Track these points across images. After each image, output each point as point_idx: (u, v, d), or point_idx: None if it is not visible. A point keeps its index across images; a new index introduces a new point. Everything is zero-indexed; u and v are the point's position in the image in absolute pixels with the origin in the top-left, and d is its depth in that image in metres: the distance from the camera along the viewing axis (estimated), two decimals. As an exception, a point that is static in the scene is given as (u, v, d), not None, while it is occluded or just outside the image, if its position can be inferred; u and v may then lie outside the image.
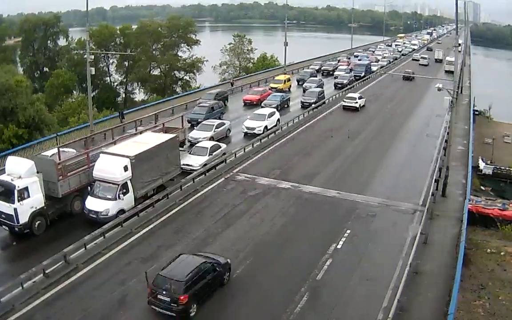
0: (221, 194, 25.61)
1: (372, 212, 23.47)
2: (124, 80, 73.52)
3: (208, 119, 36.03)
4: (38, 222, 20.76)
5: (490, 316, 18.03)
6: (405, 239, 20.65)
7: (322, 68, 67.02)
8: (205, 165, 27.74)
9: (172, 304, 15.20)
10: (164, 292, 15.27)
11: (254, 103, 44.43)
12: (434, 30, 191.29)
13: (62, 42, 73.17)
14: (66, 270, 18.04)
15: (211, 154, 28.78)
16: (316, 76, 59.27)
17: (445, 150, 28.85)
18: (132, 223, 21.59)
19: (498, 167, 37.47)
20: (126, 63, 71.67)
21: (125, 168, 22.08)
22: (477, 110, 53.84)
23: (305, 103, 44.50)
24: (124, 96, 74.00)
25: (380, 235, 21.29)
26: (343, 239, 20.69)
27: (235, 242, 20.27)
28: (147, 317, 15.88)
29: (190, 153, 29.01)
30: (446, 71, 67.84)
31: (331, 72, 64.37)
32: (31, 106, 42.00)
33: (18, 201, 19.92)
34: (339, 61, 74.55)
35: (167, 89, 71.62)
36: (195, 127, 34.79)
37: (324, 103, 45.73)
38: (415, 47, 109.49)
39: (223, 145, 30.64)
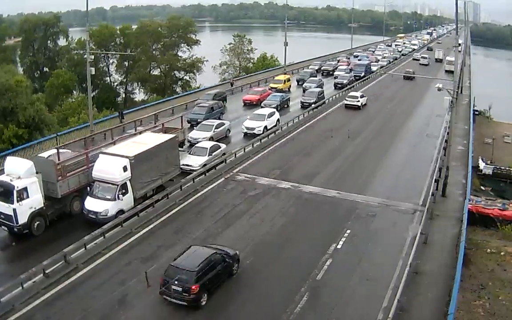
0: (221, 194, 25.61)
1: (372, 212, 23.47)
2: (124, 80, 73.52)
3: (207, 119, 36.01)
4: (37, 222, 20.74)
5: (490, 316, 18.03)
6: (405, 239, 20.65)
7: (322, 68, 67.02)
8: (204, 165, 27.72)
9: (183, 294, 15.76)
10: (176, 282, 15.78)
11: (254, 103, 44.41)
12: (434, 30, 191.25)
13: (62, 42, 73.17)
14: (66, 270, 18.04)
15: (211, 154, 28.77)
16: (316, 76, 59.28)
17: (445, 150, 28.85)
18: (132, 223, 21.59)
19: (498, 167, 37.48)
20: (126, 63, 71.66)
21: (124, 169, 22.07)
22: (477, 110, 53.85)
23: (305, 103, 44.50)
24: (124, 96, 74.00)
25: (380, 235, 21.29)
26: (343, 239, 20.69)
27: (235, 242, 20.20)
28: (147, 317, 15.90)
29: (189, 153, 28.99)
30: (446, 71, 67.94)
31: (331, 72, 64.37)
32: (31, 106, 41.98)
33: (17, 201, 19.90)
34: (338, 61, 74.52)
35: (167, 89, 71.62)
36: (194, 127, 34.77)
37: (324, 103, 45.73)
38: (415, 47, 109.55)
39: (223, 145, 30.64)
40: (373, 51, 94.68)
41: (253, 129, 34.98)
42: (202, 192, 25.64)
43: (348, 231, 21.34)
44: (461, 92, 50.86)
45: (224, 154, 29.63)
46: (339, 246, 20.13)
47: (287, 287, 17.33)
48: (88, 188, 22.71)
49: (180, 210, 23.59)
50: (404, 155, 32.61)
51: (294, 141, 35.22)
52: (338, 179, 27.73)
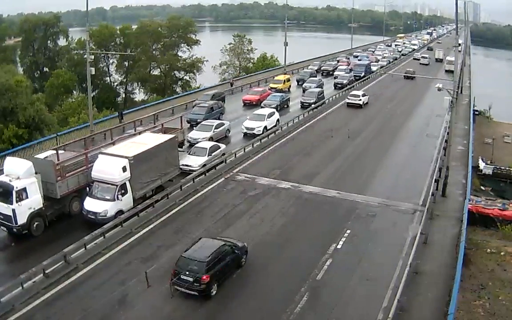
0: (221, 194, 25.61)
1: (372, 212, 23.47)
2: (124, 80, 73.52)
3: (207, 119, 35.99)
4: (37, 223, 20.72)
5: (490, 316, 18.03)
6: (405, 239, 20.65)
7: (322, 68, 67.02)
8: (204, 165, 27.70)
9: (194, 284, 16.23)
10: (187, 273, 16.28)
11: (254, 103, 44.36)
12: (434, 30, 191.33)
13: (62, 42, 73.18)
14: (66, 270, 18.04)
15: (210, 155, 28.75)
16: (316, 76, 59.28)
17: (445, 150, 28.85)
18: (132, 223, 21.58)
19: (498, 167, 37.47)
20: (126, 63, 71.66)
21: (124, 169, 22.03)
22: (477, 110, 53.85)
23: (304, 103, 44.50)
24: (124, 96, 74.01)
25: (380, 235, 21.29)
26: (343, 239, 20.69)
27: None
28: (147, 317, 15.90)
29: (189, 154, 28.96)
30: (446, 71, 68.05)
31: (330, 72, 64.38)
32: (31, 106, 41.97)
33: (17, 202, 19.88)
34: (338, 61, 74.50)
35: (167, 89, 71.63)
36: (194, 128, 34.75)
37: (323, 103, 45.73)
38: (415, 47, 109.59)
39: (223, 146, 30.62)
40: (373, 51, 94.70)
41: (252, 129, 34.96)
42: (202, 192, 25.63)
43: (348, 231, 21.34)
44: (461, 92, 50.86)
45: (223, 154, 29.62)
46: (339, 246, 20.13)
47: (287, 287, 17.33)
48: (88, 188, 22.70)
49: (180, 210, 23.58)
50: (404, 155, 32.60)
51: (294, 141, 35.22)
52: (338, 179, 27.73)
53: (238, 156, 30.29)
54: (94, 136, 32.58)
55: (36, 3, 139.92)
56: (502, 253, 22.70)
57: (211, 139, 32.07)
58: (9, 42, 78.34)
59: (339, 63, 71.06)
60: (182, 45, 74.41)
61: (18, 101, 41.07)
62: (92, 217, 21.42)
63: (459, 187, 26.65)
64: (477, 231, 25.36)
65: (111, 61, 72.08)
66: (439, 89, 29.41)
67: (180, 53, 74.38)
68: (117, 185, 21.80)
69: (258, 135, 34.10)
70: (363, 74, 61.45)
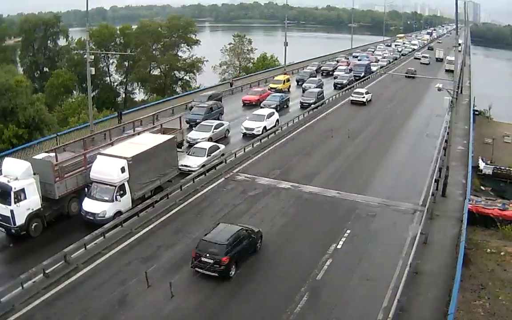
0: (221, 194, 25.60)
1: (372, 212, 23.47)
2: (124, 80, 73.50)
3: (206, 119, 35.95)
4: (35, 223, 20.67)
5: (490, 316, 18.03)
6: (405, 239, 20.65)
7: (321, 68, 67.03)
8: (203, 166, 27.67)
9: (215, 265, 17.28)
10: (207, 255, 17.35)
11: (253, 103, 44.30)
12: (434, 30, 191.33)
13: (62, 42, 73.13)
14: (66, 270, 18.04)
15: (210, 155, 28.71)
16: (315, 77, 59.28)
17: (445, 150, 28.85)
18: (132, 223, 21.59)
19: (498, 167, 37.47)
20: (126, 63, 71.65)
21: (122, 170, 21.98)
22: (477, 110, 53.85)
23: (304, 104, 44.47)
24: (124, 96, 73.99)
25: (380, 235, 21.29)
26: (343, 239, 20.69)
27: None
28: (147, 317, 15.90)
29: (188, 154, 28.93)
30: (446, 70, 68.28)
31: (330, 73, 64.38)
32: (31, 106, 41.95)
33: (15, 202, 19.85)
34: (338, 61, 74.48)
35: (167, 89, 71.61)
36: (193, 128, 34.71)
37: (323, 103, 45.73)
38: (415, 47, 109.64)
39: (222, 146, 30.59)
40: (373, 51, 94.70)
41: (252, 129, 34.94)
42: (202, 192, 25.63)
43: (348, 231, 21.34)
44: (461, 92, 50.89)
45: (223, 154, 29.59)
46: (339, 246, 20.13)
47: (287, 287, 17.34)
48: (86, 189, 22.66)
49: (180, 210, 23.58)
50: (404, 155, 32.61)
51: (294, 141, 35.21)
52: (338, 179, 27.73)
53: (238, 156, 30.29)
54: (94, 136, 32.54)
55: (36, 3, 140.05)
56: (502, 253, 22.70)
57: (210, 139, 32.03)
58: (9, 42, 78.30)
59: (338, 63, 71.05)
60: (182, 45, 74.40)
61: (18, 101, 41.06)
62: (91, 218, 21.39)
63: (459, 187, 26.65)
64: (477, 231, 25.37)
65: (111, 61, 72.07)
66: (439, 89, 29.41)
67: (180, 53, 74.37)
68: (115, 186, 21.76)
69: (258, 135, 34.08)
70: (363, 74, 61.49)
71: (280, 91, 48.73)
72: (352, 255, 19.47)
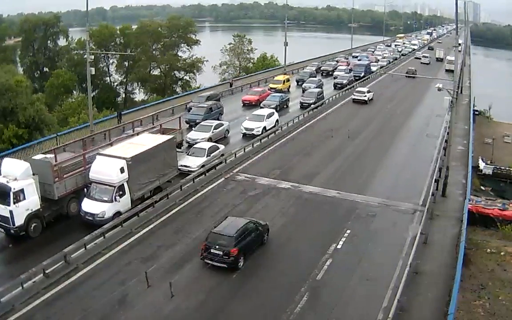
0: (221, 194, 25.60)
1: (372, 212, 23.47)
2: (124, 80, 73.49)
3: (206, 120, 35.92)
4: (34, 224, 20.65)
5: (490, 316, 18.03)
6: (405, 239, 20.65)
7: (321, 69, 67.05)
8: (203, 166, 27.64)
9: (224, 257, 17.83)
10: (217, 247, 17.94)
11: (253, 103, 44.27)
12: (434, 30, 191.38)
13: (62, 42, 73.10)
14: (66, 270, 18.04)
15: (209, 155, 28.68)
16: (315, 77, 59.28)
17: (445, 150, 28.85)
18: (132, 223, 21.58)
19: (498, 167, 37.46)
20: (126, 63, 71.63)
21: (122, 170, 21.94)
22: (477, 110, 53.86)
23: (304, 104, 44.46)
24: (124, 96, 73.98)
25: (380, 235, 21.29)
26: (343, 239, 20.68)
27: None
28: (147, 317, 15.90)
29: (187, 154, 28.90)
30: (446, 70, 68.44)
31: (330, 73, 64.39)
32: (31, 106, 41.96)
33: (14, 203, 19.82)
34: (337, 61, 74.48)
35: (167, 89, 71.61)
36: (193, 128, 34.68)
37: (323, 103, 45.73)
38: (415, 47, 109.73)
39: (221, 146, 30.56)
40: (373, 51, 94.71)
41: (252, 129, 34.91)
42: (202, 192, 25.63)
43: (348, 231, 21.34)
44: (461, 92, 50.90)
45: (222, 155, 29.58)
46: (339, 246, 20.13)
47: (287, 287, 17.34)
48: (85, 189, 22.64)
49: (180, 210, 23.58)
50: (404, 155, 32.61)
51: (294, 141, 35.21)
52: (338, 179, 27.73)
53: (238, 156, 30.28)
54: (94, 137, 32.53)
55: (36, 3, 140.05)
56: (502, 253, 22.70)
57: (210, 139, 32.01)
58: (9, 42, 78.27)
59: (338, 63, 71.05)
60: (182, 45, 74.40)
61: (18, 101, 41.06)
62: (90, 218, 21.35)
63: (459, 187, 26.65)
64: (477, 231, 25.37)
65: (111, 61, 72.05)
66: (439, 89, 29.40)
67: (180, 53, 74.37)
68: (115, 186, 21.73)
69: (257, 135, 34.07)
70: (362, 74, 61.54)
71: (280, 91, 48.68)
72: (352, 255, 19.47)
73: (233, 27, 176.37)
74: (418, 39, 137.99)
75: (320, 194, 25.50)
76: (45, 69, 71.33)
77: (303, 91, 49.39)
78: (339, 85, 54.79)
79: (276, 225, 22.08)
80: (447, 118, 38.74)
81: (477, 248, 23.14)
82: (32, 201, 20.51)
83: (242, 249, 18.27)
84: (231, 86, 53.42)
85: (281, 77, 53.42)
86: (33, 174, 20.83)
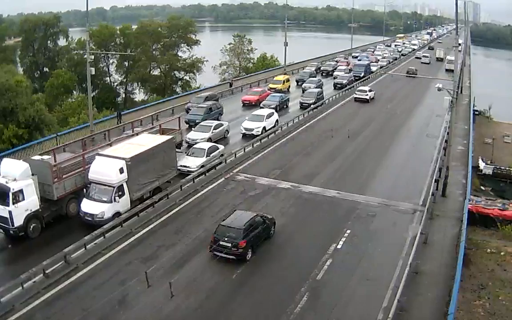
0: (221, 194, 25.60)
1: (372, 212, 23.47)
2: (124, 80, 73.47)
3: (206, 120, 35.89)
4: (33, 224, 20.61)
5: (490, 316, 18.03)
6: (405, 239, 20.64)
7: (321, 69, 67.06)
8: (202, 166, 27.63)
9: (232, 249, 18.31)
10: (225, 239, 18.43)
11: (253, 103, 44.26)
12: (434, 30, 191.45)
13: (62, 42, 73.03)
14: (66, 270, 18.04)
15: (209, 156, 28.64)
16: (315, 77, 59.29)
17: (445, 150, 28.85)
18: (132, 223, 21.58)
19: (498, 167, 37.42)
20: (126, 63, 71.61)
21: (121, 170, 21.90)
22: (477, 110, 53.84)
23: (304, 104, 44.44)
24: (124, 96, 73.95)
25: (380, 235, 21.29)
26: (343, 239, 20.69)
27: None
28: (147, 317, 15.90)
29: (187, 155, 28.88)
30: (446, 70, 68.56)
31: (330, 73, 64.40)
32: (31, 106, 41.93)
33: (13, 203, 19.79)
34: (337, 61, 74.46)
35: (167, 89, 71.60)
36: (192, 128, 34.65)
37: (323, 103, 45.72)
38: (415, 47, 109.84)
39: (221, 147, 30.53)
40: (373, 51, 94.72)
41: (251, 130, 34.89)
42: (202, 192, 25.63)
43: (348, 231, 21.34)
44: (461, 92, 50.91)
45: (222, 155, 29.57)
46: (339, 246, 20.13)
47: (287, 287, 17.34)
48: (85, 190, 22.61)
49: (180, 210, 23.58)
50: (404, 155, 32.61)
51: (294, 141, 35.22)
52: (338, 179, 27.73)
53: (238, 156, 30.28)
54: (94, 137, 32.53)
55: (36, 3, 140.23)
56: (502, 253, 22.70)
57: (209, 140, 32.01)
58: (9, 42, 78.16)
59: (338, 63, 71.06)
60: (182, 45, 74.39)
61: (18, 101, 41.05)
62: (89, 219, 21.33)
63: (459, 187, 26.65)
64: (477, 231, 25.35)
65: (111, 61, 72.00)
66: (439, 89, 29.37)
67: (180, 53, 74.35)
68: (114, 187, 21.68)
69: (257, 135, 34.05)
70: (362, 74, 61.58)
71: (279, 91, 48.66)
72: (352, 255, 19.46)
73: (233, 27, 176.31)
74: (418, 39, 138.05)
75: (320, 194, 25.50)
76: (45, 69, 71.29)
77: (303, 91, 49.40)
78: (339, 85, 54.81)
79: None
80: (447, 118, 38.74)
81: (477, 248, 23.14)
82: (31, 202, 20.47)
83: (250, 241, 18.78)
84: (231, 86, 53.40)
85: (281, 77, 53.41)
86: (32, 175, 20.79)
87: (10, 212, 19.76)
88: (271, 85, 51.83)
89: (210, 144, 30.29)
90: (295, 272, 18.27)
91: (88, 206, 21.57)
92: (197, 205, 24.17)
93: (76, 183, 22.50)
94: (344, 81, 55.46)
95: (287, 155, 31.94)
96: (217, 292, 17.09)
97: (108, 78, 73.37)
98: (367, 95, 49.04)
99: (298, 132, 37.42)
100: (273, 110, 38.93)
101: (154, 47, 73.46)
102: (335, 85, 55.54)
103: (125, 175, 22.07)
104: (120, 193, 21.94)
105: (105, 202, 21.49)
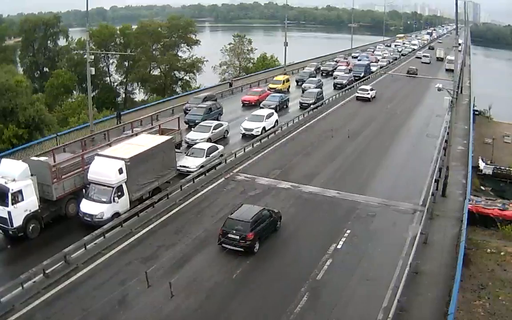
0: (221, 194, 25.60)
1: (372, 212, 23.47)
2: (124, 80, 73.47)
3: (205, 120, 35.87)
4: (32, 225, 20.60)
5: (490, 316, 18.03)
6: (405, 239, 20.65)
7: (321, 69, 67.06)
8: (202, 166, 27.62)
9: (240, 241, 18.83)
10: (234, 232, 18.95)
11: (253, 104, 44.23)
12: (434, 30, 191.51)
13: (62, 42, 73.02)
14: (66, 270, 18.04)
15: (208, 156, 28.61)
16: (315, 77, 59.29)
17: (445, 150, 28.86)
18: (132, 223, 21.58)
19: (498, 167, 37.42)
20: (126, 63, 71.60)
21: (120, 171, 21.87)
22: (477, 110, 53.85)
23: (303, 104, 44.42)
24: (124, 96, 73.95)
25: (380, 235, 21.29)
26: (343, 239, 20.69)
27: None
28: (147, 317, 15.90)
29: (187, 155, 28.85)
30: (447, 70, 68.73)
31: (330, 73, 64.40)
32: (31, 106, 41.92)
33: (12, 204, 19.77)
34: (337, 62, 74.46)
35: (167, 89, 71.58)
36: (192, 129, 34.64)
37: (323, 104, 45.72)
38: (415, 48, 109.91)
39: (220, 147, 30.50)
40: (373, 51, 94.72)
41: (251, 130, 34.86)
42: (202, 192, 25.63)
43: (348, 231, 21.34)
44: (461, 92, 50.93)
45: (221, 155, 29.56)
46: (339, 246, 20.13)
47: (287, 287, 17.34)
48: (84, 190, 22.60)
49: (180, 210, 23.58)
50: (404, 155, 32.61)
51: (294, 141, 35.21)
52: (338, 179, 27.73)
53: (238, 156, 30.27)
54: (94, 137, 32.52)
55: (36, 3, 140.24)
56: (502, 253, 22.71)
57: (209, 140, 31.99)
58: (9, 42, 78.12)
59: (338, 64, 71.07)
60: (182, 45, 74.37)
61: (18, 101, 41.03)
62: (88, 219, 21.31)
63: (459, 187, 26.65)
64: (477, 231, 25.35)
65: (111, 61, 71.98)
66: (439, 89, 29.36)
67: (180, 53, 74.32)
68: (113, 187, 21.66)
69: (257, 136, 34.04)
70: (362, 74, 61.60)
71: (279, 91, 48.63)
72: (352, 255, 19.47)
73: (233, 27, 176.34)
74: (418, 39, 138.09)
75: (320, 194, 25.50)
76: (45, 69, 71.26)
77: (303, 91, 49.39)
78: (339, 85, 54.83)
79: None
80: (447, 118, 38.74)
81: (477, 248, 23.15)
82: (30, 202, 20.46)
83: (257, 234, 19.25)
84: (230, 86, 53.39)
85: (280, 77, 53.37)
86: (32, 175, 20.77)
87: (9, 213, 19.74)
88: (271, 85, 51.80)
89: (209, 144, 30.27)
90: (295, 272, 18.27)
91: (87, 207, 21.55)
92: (197, 205, 24.17)
93: (75, 183, 22.48)
94: (344, 81, 55.47)
95: (287, 155, 31.93)
96: (217, 292, 17.09)
97: (108, 78, 73.36)
98: (368, 94, 49.74)
99: (298, 132, 37.42)
100: (273, 110, 38.91)
101: (154, 47, 73.45)
102: (335, 85, 55.54)
103: (124, 175, 22.04)
104: (119, 193, 21.92)
105: (104, 202, 21.46)
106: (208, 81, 69.03)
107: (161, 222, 22.32)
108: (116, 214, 21.62)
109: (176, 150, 27.09)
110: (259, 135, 34.18)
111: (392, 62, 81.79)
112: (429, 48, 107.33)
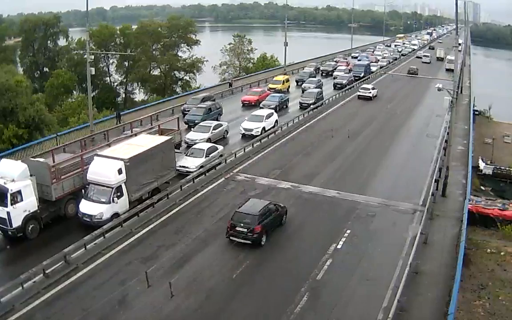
0: (221, 194, 25.60)
1: (372, 212, 23.47)
2: (124, 80, 73.48)
3: (205, 120, 35.85)
4: (32, 225, 20.58)
5: (490, 316, 18.04)
6: (405, 239, 20.64)
7: (321, 69, 67.06)
8: (201, 167, 27.60)
9: (248, 234, 19.34)
10: (241, 225, 19.51)
11: (253, 104, 44.20)
12: (434, 30, 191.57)
13: (62, 42, 73.03)
14: (66, 270, 18.03)
15: (208, 156, 28.58)
16: (315, 77, 59.28)
17: (445, 150, 28.86)
18: (132, 223, 21.58)
19: (498, 167, 37.44)
20: (126, 63, 71.62)
21: (119, 171, 21.83)
22: (477, 110, 53.87)
23: (303, 104, 44.40)
24: (124, 96, 73.95)
25: (380, 235, 21.29)
26: (343, 239, 20.69)
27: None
28: (147, 317, 15.90)
29: (186, 155, 28.82)
30: (447, 70, 68.85)
31: (330, 73, 64.40)
32: (31, 106, 41.93)
33: (11, 204, 19.74)
34: (337, 62, 74.44)
35: (167, 89, 71.60)
36: (192, 129, 34.62)
37: (323, 104, 45.71)
38: (415, 48, 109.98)
39: (220, 147, 30.48)
40: (373, 51, 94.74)
41: (251, 130, 34.84)
42: (202, 192, 25.63)
43: (348, 231, 21.34)
44: (461, 92, 50.95)
45: (221, 155, 29.54)
46: (339, 246, 20.13)
47: (287, 287, 17.34)
48: (83, 190, 22.58)
49: (180, 210, 23.58)
50: (404, 155, 32.61)
51: (294, 141, 35.21)
52: (338, 179, 27.73)
53: (238, 156, 30.27)
54: (94, 137, 32.50)
55: (36, 3, 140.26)
56: (502, 253, 22.71)
57: (209, 140, 31.97)
58: (9, 42, 78.13)
59: (338, 64, 71.07)
60: (182, 45, 74.39)
61: (18, 101, 41.04)
62: (88, 219, 21.28)
63: (459, 187, 26.65)
64: (477, 231, 25.36)
65: (111, 61, 72.00)
66: (439, 89, 29.37)
67: (180, 53, 74.35)
68: (112, 188, 21.63)
69: (256, 136, 34.03)
70: (362, 74, 61.62)
71: (279, 91, 48.57)
72: (352, 255, 19.46)
73: (233, 27, 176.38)
74: (418, 39, 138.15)
75: (320, 194, 25.50)
76: (45, 69, 71.27)
77: (303, 91, 49.38)
78: (338, 85, 54.83)
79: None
80: (447, 118, 38.75)
81: (477, 248, 23.15)
82: (29, 203, 20.43)
83: (264, 227, 19.74)
84: (230, 86, 53.37)
85: (280, 77, 53.33)
86: (31, 175, 20.75)
87: (8, 213, 19.72)
88: (270, 85, 51.75)
89: (209, 144, 30.25)
90: (295, 272, 18.26)
91: (86, 207, 21.52)
92: (197, 205, 24.17)
93: (74, 183, 22.44)
94: (344, 81, 55.47)
95: (287, 155, 31.93)
96: (217, 292, 17.09)
97: (108, 78, 73.37)
98: (370, 92, 50.26)
99: (298, 132, 37.42)
100: (273, 111, 38.89)
101: (154, 47, 73.47)
102: (335, 85, 55.54)
103: (123, 176, 22.01)
104: (118, 194, 21.88)
105: (103, 203, 21.43)
106: (208, 81, 69.04)
107: (161, 222, 22.31)
108: (116, 215, 21.59)
109: (176, 150, 27.06)
110: (259, 135, 34.17)
111: (392, 62, 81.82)
112: (429, 48, 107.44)
